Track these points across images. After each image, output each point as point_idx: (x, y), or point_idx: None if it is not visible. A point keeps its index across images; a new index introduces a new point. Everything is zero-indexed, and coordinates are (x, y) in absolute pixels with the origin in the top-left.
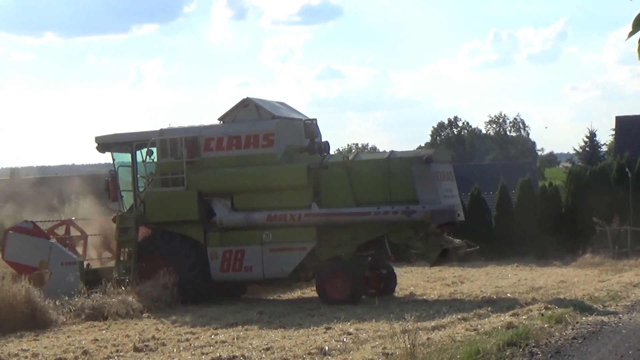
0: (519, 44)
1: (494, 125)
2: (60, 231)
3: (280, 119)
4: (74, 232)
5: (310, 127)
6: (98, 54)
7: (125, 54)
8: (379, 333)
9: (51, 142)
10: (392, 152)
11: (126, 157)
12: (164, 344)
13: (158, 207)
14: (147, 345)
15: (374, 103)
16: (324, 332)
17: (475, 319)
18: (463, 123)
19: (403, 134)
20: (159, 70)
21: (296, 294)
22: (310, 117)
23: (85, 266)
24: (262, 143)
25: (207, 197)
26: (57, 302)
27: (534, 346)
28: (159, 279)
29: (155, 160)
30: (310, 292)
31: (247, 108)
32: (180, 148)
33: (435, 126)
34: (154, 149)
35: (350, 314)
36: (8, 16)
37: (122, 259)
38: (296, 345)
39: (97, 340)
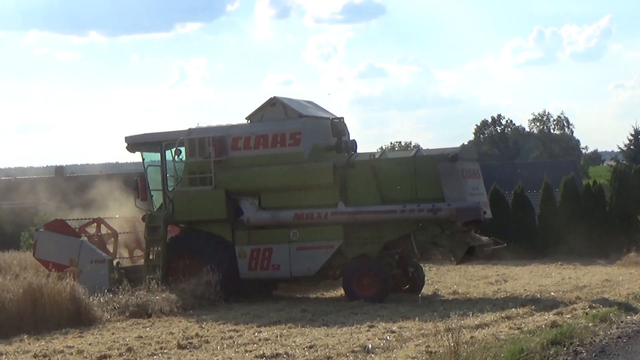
0: (562, 41)
1: (538, 123)
2: (91, 229)
3: (307, 118)
4: (104, 231)
5: (337, 126)
6: (141, 53)
7: (168, 52)
8: (423, 331)
9: (95, 141)
10: (418, 150)
11: (156, 157)
12: (207, 342)
13: (186, 206)
14: (190, 343)
15: (416, 101)
16: (367, 330)
17: (519, 317)
18: (506, 121)
19: (446, 132)
20: (202, 69)
21: (339, 292)
22: (353, 115)
23: (115, 264)
24: (289, 142)
25: (235, 196)
26: (101, 300)
27: (578, 345)
28: (202, 277)
29: (184, 159)
30: None
31: (274, 107)
32: (208, 147)
33: (479, 124)
34: (182, 149)
35: (394, 312)
36: (53, 15)
37: (150, 257)
38: (339, 343)
39: (141, 337)
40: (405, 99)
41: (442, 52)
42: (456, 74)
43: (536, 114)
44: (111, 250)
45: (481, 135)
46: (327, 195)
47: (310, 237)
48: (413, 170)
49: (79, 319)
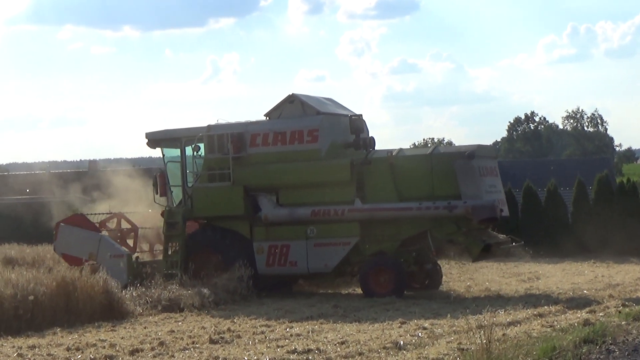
0: (597, 38)
1: (571, 121)
2: (112, 224)
3: (325, 115)
4: (125, 225)
5: (356, 123)
6: (175, 48)
7: (202, 47)
8: (454, 328)
9: (128, 135)
10: (435, 147)
11: (176, 153)
12: (239, 336)
13: (205, 202)
14: (222, 337)
15: (449, 98)
16: (399, 327)
17: (551, 315)
18: (540, 118)
19: (479, 129)
20: (235, 64)
21: None
22: (386, 111)
23: (134, 259)
24: (307, 139)
25: (253, 192)
26: (133, 293)
27: (610, 343)
28: (234, 272)
29: (203, 155)
30: None
31: (293, 104)
32: (227, 144)
33: (512, 121)
34: (202, 145)
35: (426, 308)
36: (88, 10)
37: (169, 253)
38: (371, 340)
39: (173, 331)
40: (438, 96)
41: (475, 48)
42: (490, 70)
43: (570, 111)
44: (131, 245)
45: (514, 133)
46: (344, 192)
47: (327, 233)
48: (430, 168)
49: (112, 312)
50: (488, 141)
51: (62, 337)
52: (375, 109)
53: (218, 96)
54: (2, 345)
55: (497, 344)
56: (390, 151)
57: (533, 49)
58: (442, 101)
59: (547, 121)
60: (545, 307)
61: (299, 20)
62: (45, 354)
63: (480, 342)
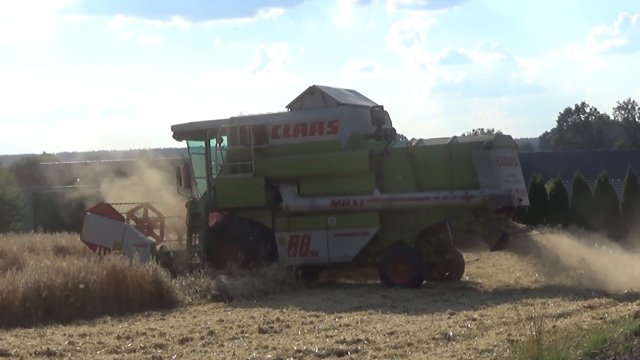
0: None
1: (623, 112)
2: (140, 214)
3: (345, 106)
4: (152, 215)
5: (377, 114)
6: (224, 38)
7: (251, 37)
8: (504, 319)
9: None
10: (454, 137)
11: (201, 145)
12: (288, 326)
13: (227, 193)
14: (271, 327)
15: (499, 88)
16: (448, 318)
17: (601, 307)
18: (590, 109)
19: (529, 119)
20: (285, 54)
21: None
22: (435, 102)
23: (159, 248)
24: (327, 130)
25: (274, 183)
26: (183, 283)
27: None
28: (283, 262)
29: (226, 147)
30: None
31: (313, 96)
32: (249, 135)
33: (562, 112)
34: (224, 137)
35: (475, 299)
36: (138, 1)
37: (193, 243)
38: (420, 330)
39: (222, 321)
40: (488, 86)
41: (525, 39)
42: (540, 61)
43: (621, 102)
44: (158, 234)
45: (565, 124)
46: (363, 183)
47: (347, 223)
48: (449, 158)
49: (161, 301)
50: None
51: (112, 325)
52: (425, 100)
53: (267, 86)
54: (54, 333)
55: (547, 335)
56: (409, 141)
57: (584, 39)
58: (492, 92)
59: (598, 112)
60: (596, 299)
61: (348, 10)
62: (95, 342)
63: (530, 333)
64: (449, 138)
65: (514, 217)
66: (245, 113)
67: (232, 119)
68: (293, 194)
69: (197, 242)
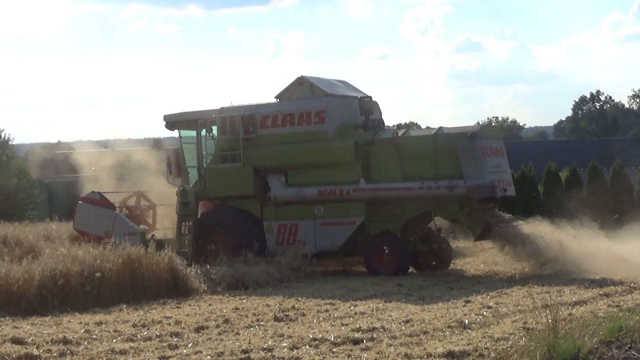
0: None
1: (638, 100)
2: (132, 202)
3: (332, 97)
4: (144, 203)
5: (365, 105)
6: (239, 26)
7: (265, 26)
8: (519, 307)
9: None
10: (440, 128)
11: (192, 134)
12: (303, 314)
13: (217, 183)
14: (287, 315)
15: (513, 76)
16: (464, 306)
17: (617, 295)
18: (605, 97)
19: (543, 107)
20: (299, 42)
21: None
22: (450, 90)
23: (149, 236)
24: (314, 120)
25: (263, 172)
26: (198, 271)
27: None
28: (299, 249)
29: (216, 137)
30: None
31: (302, 86)
32: (238, 125)
33: (577, 100)
34: (214, 127)
35: (490, 287)
36: None
37: (182, 232)
38: (435, 318)
39: (238, 309)
40: (502, 74)
41: (540, 27)
42: (554, 49)
43: (636, 90)
44: (150, 222)
45: (579, 112)
46: (349, 173)
47: (333, 213)
48: (434, 148)
49: (177, 289)
50: (553, 120)
51: (128, 313)
52: (439, 88)
53: (281, 75)
54: (70, 321)
55: (563, 323)
56: (396, 132)
57: (598, 27)
58: (506, 80)
59: (613, 100)
60: (612, 286)
61: None
62: (111, 330)
63: (546, 321)
64: (434, 129)
65: (497, 207)
66: (235, 103)
67: (222, 109)
68: (281, 184)
69: (186, 231)
